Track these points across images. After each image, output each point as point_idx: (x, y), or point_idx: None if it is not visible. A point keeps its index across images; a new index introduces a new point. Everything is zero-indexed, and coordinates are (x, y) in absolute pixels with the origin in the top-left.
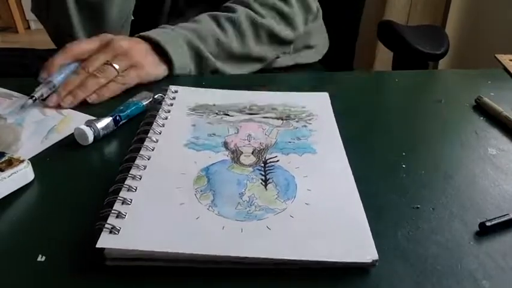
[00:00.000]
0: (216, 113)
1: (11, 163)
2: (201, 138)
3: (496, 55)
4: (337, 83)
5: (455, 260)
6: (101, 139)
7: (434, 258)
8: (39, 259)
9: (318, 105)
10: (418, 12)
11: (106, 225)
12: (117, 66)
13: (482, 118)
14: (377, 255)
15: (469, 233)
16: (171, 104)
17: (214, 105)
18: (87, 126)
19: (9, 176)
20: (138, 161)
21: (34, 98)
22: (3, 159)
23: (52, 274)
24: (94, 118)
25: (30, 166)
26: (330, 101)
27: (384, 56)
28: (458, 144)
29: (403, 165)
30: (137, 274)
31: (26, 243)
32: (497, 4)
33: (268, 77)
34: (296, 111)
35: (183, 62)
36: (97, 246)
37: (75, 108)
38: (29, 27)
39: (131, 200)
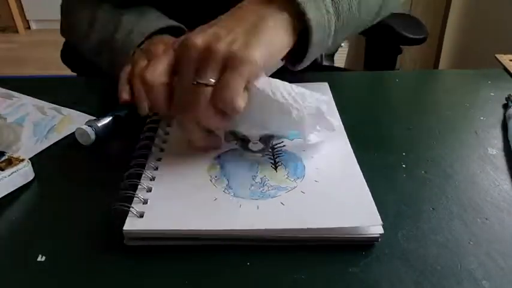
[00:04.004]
0: None
1: (11, 162)
2: None
3: (496, 55)
4: (336, 82)
5: (455, 260)
6: (101, 139)
7: (434, 258)
8: (39, 259)
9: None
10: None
11: (132, 210)
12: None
13: (482, 118)
14: (381, 222)
15: (469, 233)
16: None
17: None
18: (88, 126)
19: (9, 175)
20: (153, 151)
21: None
22: (3, 159)
23: (52, 274)
24: (94, 118)
25: (30, 165)
26: (329, 89)
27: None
28: (458, 144)
29: (403, 165)
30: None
31: (26, 243)
32: (497, 4)
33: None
34: None
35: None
36: (124, 228)
37: (74, 108)
38: (29, 27)
39: (151, 187)
